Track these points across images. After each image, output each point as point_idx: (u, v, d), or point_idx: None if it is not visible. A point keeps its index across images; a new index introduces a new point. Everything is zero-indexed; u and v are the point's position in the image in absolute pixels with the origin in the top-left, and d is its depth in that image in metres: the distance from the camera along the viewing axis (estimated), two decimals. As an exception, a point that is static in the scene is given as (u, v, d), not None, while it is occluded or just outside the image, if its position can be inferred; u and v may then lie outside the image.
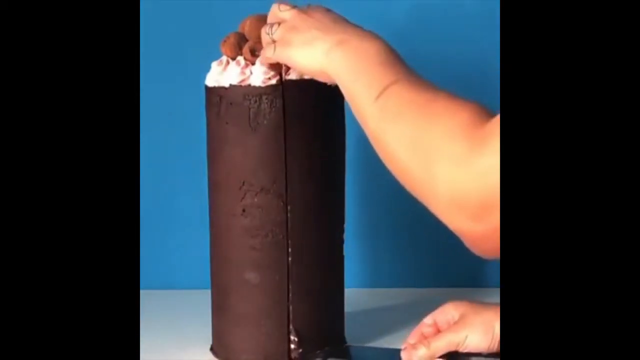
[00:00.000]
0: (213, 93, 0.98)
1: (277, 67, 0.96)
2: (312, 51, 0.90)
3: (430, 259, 1.32)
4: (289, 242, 0.98)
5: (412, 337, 1.00)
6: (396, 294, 1.25)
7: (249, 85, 0.96)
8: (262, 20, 0.99)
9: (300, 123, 0.98)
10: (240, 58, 0.98)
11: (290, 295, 0.99)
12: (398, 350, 1.00)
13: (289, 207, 0.98)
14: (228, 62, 0.98)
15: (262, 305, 0.98)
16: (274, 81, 0.96)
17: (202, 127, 1.01)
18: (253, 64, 0.97)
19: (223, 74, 0.98)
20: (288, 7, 0.94)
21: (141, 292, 0.86)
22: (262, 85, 0.96)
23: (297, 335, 0.99)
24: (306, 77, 0.96)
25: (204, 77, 1.00)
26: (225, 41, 0.99)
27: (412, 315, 1.13)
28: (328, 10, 0.93)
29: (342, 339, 1.05)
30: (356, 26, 0.91)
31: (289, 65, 0.94)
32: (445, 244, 1.32)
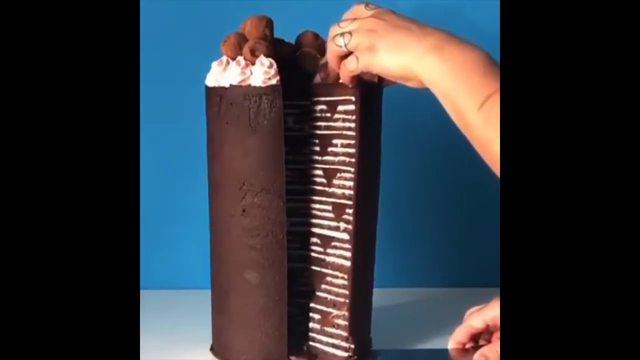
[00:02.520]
0: (213, 93, 0.98)
1: (354, 78, 0.95)
2: (402, 55, 0.88)
3: (430, 259, 1.32)
4: (352, 246, 0.98)
5: (462, 336, 1.01)
6: (398, 294, 1.25)
7: (249, 85, 0.96)
8: (262, 20, 0.99)
9: (369, 129, 0.98)
10: (240, 58, 0.98)
11: (349, 302, 0.98)
12: (438, 351, 1.00)
13: (347, 210, 0.98)
14: (228, 62, 0.98)
15: (262, 306, 0.98)
16: (274, 81, 0.96)
17: (202, 127, 1.01)
18: (253, 64, 0.97)
19: (223, 74, 0.98)
20: (375, 7, 0.93)
21: (141, 292, 0.86)
22: (262, 85, 0.96)
23: (354, 342, 0.98)
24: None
25: (204, 77, 1.00)
26: (225, 41, 0.99)
27: (416, 315, 1.14)
28: (393, 12, 0.92)
29: (370, 342, 1.04)
30: (443, 30, 0.90)
31: (374, 71, 0.92)
32: (446, 244, 1.33)
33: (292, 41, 1.02)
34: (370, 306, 1.02)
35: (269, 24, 0.99)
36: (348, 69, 0.93)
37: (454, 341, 1.02)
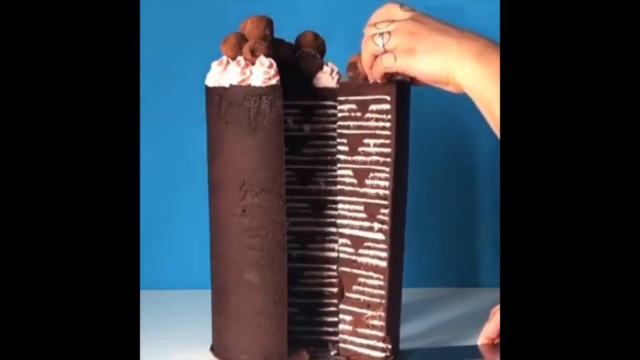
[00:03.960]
0: (213, 93, 0.98)
1: (386, 77, 0.94)
2: (440, 58, 0.87)
3: (429, 259, 1.32)
4: (388, 247, 0.96)
5: (491, 332, 1.00)
6: (408, 293, 1.25)
7: (249, 85, 0.96)
8: (262, 20, 0.99)
9: (403, 128, 0.98)
10: (240, 58, 0.98)
11: (385, 302, 0.97)
12: (469, 347, 1.01)
13: (382, 211, 0.97)
14: (228, 62, 0.98)
15: (262, 306, 0.98)
16: (274, 81, 0.96)
17: (202, 127, 1.01)
18: (253, 64, 0.97)
19: (223, 74, 0.98)
20: (410, 9, 0.91)
21: (141, 292, 0.86)
22: (262, 85, 0.96)
23: (391, 342, 0.97)
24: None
25: (204, 77, 1.00)
26: (225, 41, 0.99)
27: (416, 314, 1.13)
28: (430, 15, 0.91)
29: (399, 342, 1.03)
30: (485, 36, 0.88)
31: (410, 73, 0.91)
32: (445, 244, 1.33)
33: (292, 41, 1.02)
34: (400, 306, 1.01)
35: (269, 24, 0.99)
36: (384, 64, 0.91)
37: (483, 337, 1.01)
